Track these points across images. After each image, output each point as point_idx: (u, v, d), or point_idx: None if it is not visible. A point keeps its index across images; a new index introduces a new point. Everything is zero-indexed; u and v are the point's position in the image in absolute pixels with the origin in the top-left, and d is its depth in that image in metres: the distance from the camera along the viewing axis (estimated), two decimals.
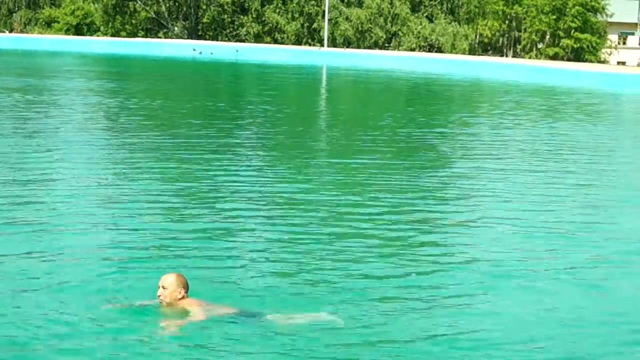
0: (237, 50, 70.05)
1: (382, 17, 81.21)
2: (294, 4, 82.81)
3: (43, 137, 23.15)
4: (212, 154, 20.95)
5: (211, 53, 67.72)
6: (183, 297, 9.70)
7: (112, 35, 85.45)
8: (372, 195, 16.88)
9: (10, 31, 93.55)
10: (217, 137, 24.19)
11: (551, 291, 11.33)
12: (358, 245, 13.11)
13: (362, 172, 19.48)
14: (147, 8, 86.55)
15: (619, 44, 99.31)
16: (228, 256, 12.28)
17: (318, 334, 9.39)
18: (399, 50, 79.67)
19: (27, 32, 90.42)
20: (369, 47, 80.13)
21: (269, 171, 19.44)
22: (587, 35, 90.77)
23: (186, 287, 9.75)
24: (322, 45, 78.55)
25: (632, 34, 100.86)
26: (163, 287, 9.69)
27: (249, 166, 19.75)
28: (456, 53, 79.53)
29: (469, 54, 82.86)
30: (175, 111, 31.15)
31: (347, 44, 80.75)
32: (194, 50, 68.95)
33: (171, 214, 14.66)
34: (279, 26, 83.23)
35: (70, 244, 12.50)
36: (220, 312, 9.59)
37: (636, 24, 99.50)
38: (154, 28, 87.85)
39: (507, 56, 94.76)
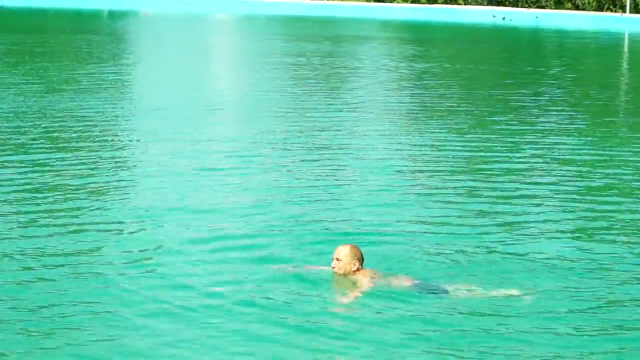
0: (536, 17, 69.48)
1: None
2: None
3: (344, 100, 24.39)
4: (511, 116, 21.41)
5: (510, 20, 67.49)
6: (358, 270, 9.46)
7: (412, 2, 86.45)
8: None
9: None
10: (517, 100, 24.58)
11: None
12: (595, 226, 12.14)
13: None
14: None
15: None
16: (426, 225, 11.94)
17: (502, 312, 8.74)
18: None
19: None
20: None
21: (569, 138, 19.46)
22: None
23: (361, 259, 9.49)
24: (624, 12, 76.49)
25: None
26: (337, 259, 9.47)
27: (546, 130, 19.99)
28: None
29: None
30: (476, 76, 31.73)
31: None
32: (494, 16, 68.95)
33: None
34: None
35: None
36: (396, 284, 9.27)
37: None
38: None
39: None
